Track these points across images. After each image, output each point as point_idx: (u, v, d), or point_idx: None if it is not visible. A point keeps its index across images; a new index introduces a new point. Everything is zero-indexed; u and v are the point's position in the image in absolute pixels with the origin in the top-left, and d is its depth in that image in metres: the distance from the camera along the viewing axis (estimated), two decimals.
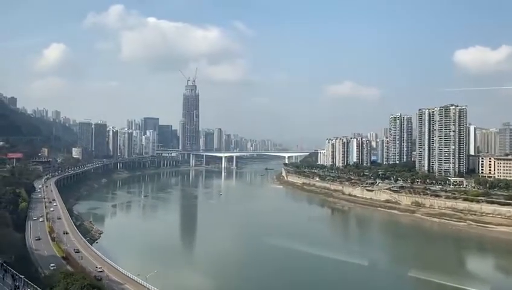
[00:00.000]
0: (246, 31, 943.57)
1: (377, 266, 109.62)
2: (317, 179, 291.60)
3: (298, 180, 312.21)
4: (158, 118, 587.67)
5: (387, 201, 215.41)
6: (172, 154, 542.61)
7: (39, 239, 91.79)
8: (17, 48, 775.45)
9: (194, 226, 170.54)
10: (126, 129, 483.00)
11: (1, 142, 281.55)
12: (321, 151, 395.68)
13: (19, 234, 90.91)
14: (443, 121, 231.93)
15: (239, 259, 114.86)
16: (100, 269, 74.39)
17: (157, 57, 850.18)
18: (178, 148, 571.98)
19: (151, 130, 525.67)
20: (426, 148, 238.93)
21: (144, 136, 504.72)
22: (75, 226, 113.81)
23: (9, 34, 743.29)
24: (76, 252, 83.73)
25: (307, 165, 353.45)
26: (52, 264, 72.85)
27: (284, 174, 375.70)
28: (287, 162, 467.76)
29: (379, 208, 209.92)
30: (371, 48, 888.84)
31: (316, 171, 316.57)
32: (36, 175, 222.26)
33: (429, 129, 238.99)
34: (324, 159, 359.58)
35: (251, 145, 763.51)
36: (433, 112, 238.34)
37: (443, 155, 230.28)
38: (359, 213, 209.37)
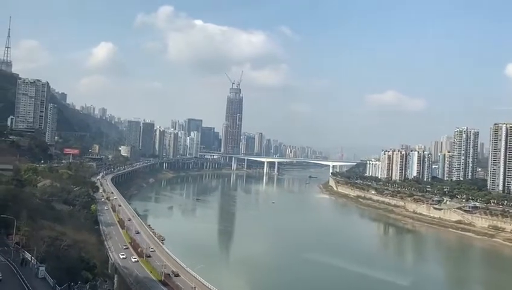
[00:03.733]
0: (292, 36, 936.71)
1: None
2: (373, 192, 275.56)
3: (351, 192, 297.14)
4: (201, 120, 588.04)
5: (459, 222, 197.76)
6: (214, 157, 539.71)
7: (124, 255, 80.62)
8: (68, 45, 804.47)
9: (256, 240, 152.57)
10: (172, 129, 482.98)
11: (56, 137, 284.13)
12: (370, 161, 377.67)
13: (99, 245, 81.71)
14: None
15: (295, 276, 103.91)
16: None
17: (202, 59, 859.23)
18: (219, 150, 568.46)
19: (195, 132, 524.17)
20: (501, 166, 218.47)
21: (188, 137, 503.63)
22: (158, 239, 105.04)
23: (62, 31, 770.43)
24: (175, 275, 72.05)
25: (359, 176, 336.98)
26: None
27: (332, 184, 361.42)
28: (331, 171, 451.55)
29: (450, 229, 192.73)
30: (416, 58, 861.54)
31: (370, 183, 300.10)
32: (92, 172, 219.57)
33: (506, 146, 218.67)
34: (376, 170, 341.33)
35: (290, 152, 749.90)
36: (511, 126, 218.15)
37: None
38: (429, 233, 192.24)
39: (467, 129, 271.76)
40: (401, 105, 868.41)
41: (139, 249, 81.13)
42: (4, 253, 47.52)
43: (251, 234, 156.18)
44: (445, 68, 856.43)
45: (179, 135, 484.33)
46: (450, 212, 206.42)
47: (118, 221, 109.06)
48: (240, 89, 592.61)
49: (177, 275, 72.76)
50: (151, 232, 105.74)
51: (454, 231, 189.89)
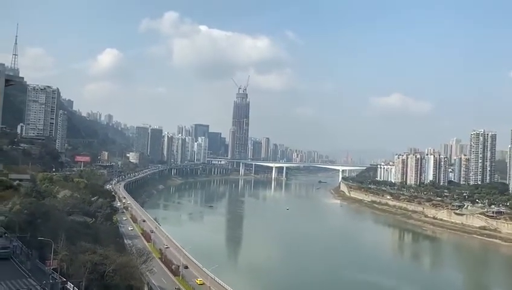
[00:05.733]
0: (296, 40, 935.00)
1: None
2: (389, 197, 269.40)
3: (365, 197, 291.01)
4: (208, 125, 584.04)
5: (483, 228, 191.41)
6: (222, 162, 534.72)
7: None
8: (74, 52, 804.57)
9: (285, 252, 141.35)
10: (179, 135, 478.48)
11: (65, 144, 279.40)
12: (381, 166, 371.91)
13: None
14: None
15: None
16: None
17: (207, 64, 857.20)
18: (226, 156, 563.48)
19: (202, 137, 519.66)
20: None
21: (195, 143, 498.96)
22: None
23: (67, 39, 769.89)
24: None
25: (372, 181, 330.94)
26: None
27: (343, 188, 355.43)
28: (341, 175, 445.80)
29: (474, 236, 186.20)
30: (422, 61, 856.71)
31: (385, 188, 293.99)
32: (103, 180, 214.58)
33: None
34: (388, 175, 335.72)
35: (297, 156, 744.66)
36: None
37: None
38: (452, 240, 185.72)
39: (484, 132, 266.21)
40: (406, 108, 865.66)
41: (172, 266, 75.78)
42: (40, 282, 42.06)
43: (277, 245, 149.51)
44: (450, 70, 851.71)
45: (187, 140, 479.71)
46: (473, 218, 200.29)
47: (142, 233, 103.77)
48: (247, 94, 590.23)
49: None
50: (179, 246, 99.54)
51: (479, 237, 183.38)
